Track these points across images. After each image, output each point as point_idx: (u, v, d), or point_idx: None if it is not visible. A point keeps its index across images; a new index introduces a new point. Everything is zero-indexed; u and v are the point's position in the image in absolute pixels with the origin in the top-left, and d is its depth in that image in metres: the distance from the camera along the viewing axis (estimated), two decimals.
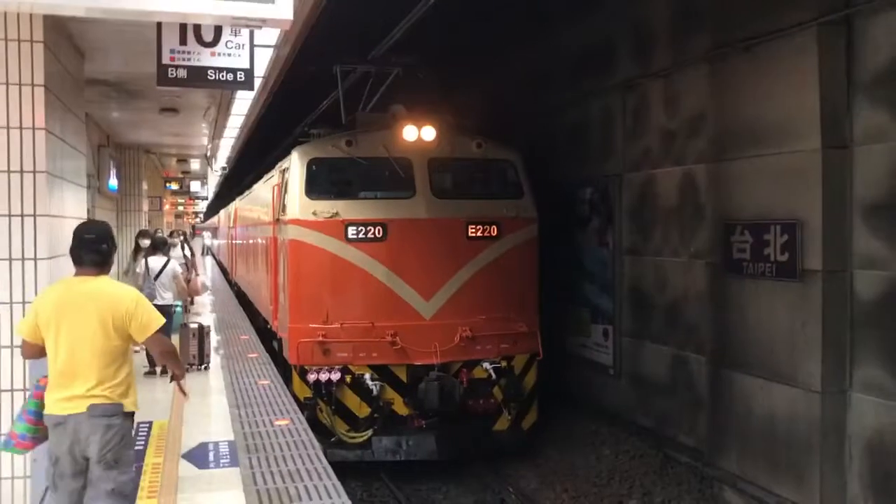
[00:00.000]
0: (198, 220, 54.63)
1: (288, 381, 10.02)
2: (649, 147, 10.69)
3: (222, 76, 5.75)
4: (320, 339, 9.88)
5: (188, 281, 12.10)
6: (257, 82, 8.70)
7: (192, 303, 12.58)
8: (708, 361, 9.20)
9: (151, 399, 9.50)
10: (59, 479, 4.40)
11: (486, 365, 10.15)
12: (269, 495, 6.07)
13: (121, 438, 4.44)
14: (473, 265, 10.21)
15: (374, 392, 9.83)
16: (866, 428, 7.29)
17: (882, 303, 7.16)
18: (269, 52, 7.47)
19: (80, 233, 4.65)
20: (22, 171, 5.54)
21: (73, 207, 6.75)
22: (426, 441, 9.81)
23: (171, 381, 5.01)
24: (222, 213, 33.86)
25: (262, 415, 8.54)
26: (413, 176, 10.26)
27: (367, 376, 9.87)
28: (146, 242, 11.64)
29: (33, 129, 5.55)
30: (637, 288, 10.98)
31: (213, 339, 12.72)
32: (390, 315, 9.91)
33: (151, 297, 10.66)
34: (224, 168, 24.59)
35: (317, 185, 10.29)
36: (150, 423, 8.31)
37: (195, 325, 11.16)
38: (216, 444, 7.44)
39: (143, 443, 7.57)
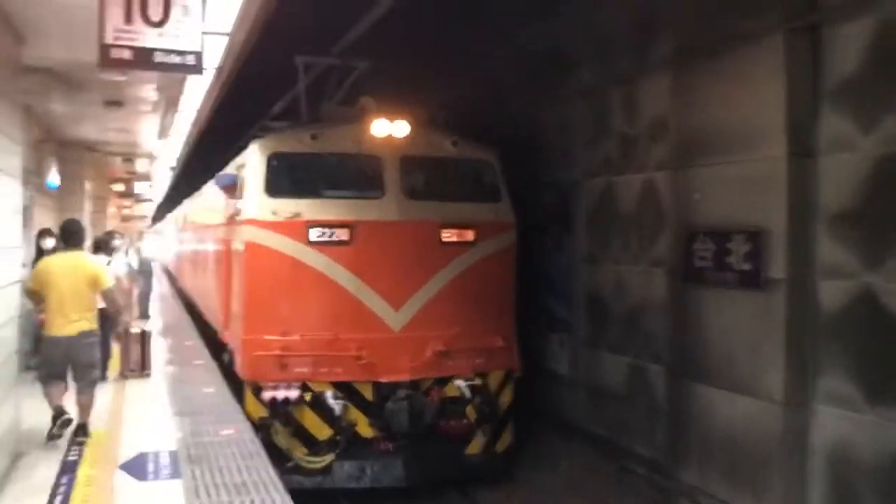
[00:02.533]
0: (145, 224, 53.31)
1: (240, 398, 9.23)
2: (609, 154, 10.55)
3: (170, 59, 5.37)
4: (277, 352, 8.98)
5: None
6: (211, 73, 8.33)
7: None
8: (667, 371, 9.05)
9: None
10: (49, 375, 7.36)
11: (460, 382, 9.42)
12: None
13: (94, 349, 7.59)
14: (447, 272, 9.51)
15: (337, 412, 8.97)
16: (829, 440, 7.17)
17: (846, 313, 7.06)
18: (224, 41, 7.09)
19: (70, 226, 7.95)
20: None
21: (4, 200, 6.29)
22: (393, 466, 9.02)
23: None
24: (170, 215, 32.97)
25: (206, 423, 8.17)
26: (383, 174, 9.50)
27: (329, 394, 9.02)
28: (49, 244, 10.00)
29: None
30: (595, 296, 10.81)
31: (157, 344, 12.23)
32: (356, 326, 9.12)
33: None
34: (173, 168, 23.94)
35: (277, 183, 9.41)
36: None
37: (137, 331, 10.71)
38: (156, 454, 7.07)
39: (77, 453, 7.13)
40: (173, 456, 6.99)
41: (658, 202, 9.45)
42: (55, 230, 10.03)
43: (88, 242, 11.41)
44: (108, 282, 7.66)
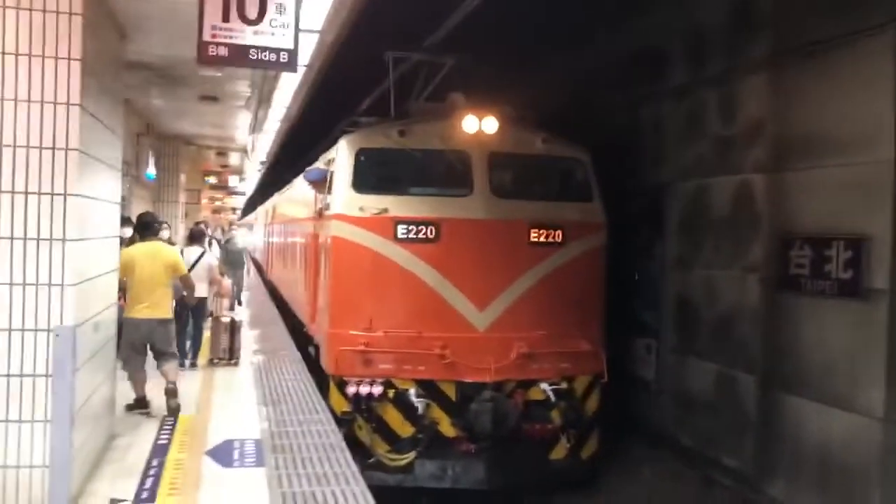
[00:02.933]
0: (235, 215, 54.84)
1: (324, 391, 9.29)
2: (702, 155, 10.24)
3: (265, 56, 5.47)
4: (362, 347, 8.99)
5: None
6: (301, 70, 8.47)
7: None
8: (758, 381, 8.74)
9: (179, 392, 9.31)
10: (130, 357, 7.99)
11: (545, 386, 9.16)
12: (295, 499, 5.81)
13: (170, 332, 8.45)
14: (534, 273, 9.26)
15: (420, 410, 8.89)
16: None
17: None
18: (315, 38, 7.19)
19: (145, 217, 8.84)
20: (54, 149, 5.31)
21: (106, 190, 6.53)
22: (475, 467, 8.87)
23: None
24: (260, 208, 33.77)
25: (290, 413, 8.32)
26: (471, 171, 9.36)
27: (412, 392, 8.95)
28: (126, 232, 9.48)
29: (67, 104, 5.33)
30: (684, 301, 10.52)
31: (245, 334, 12.54)
32: (440, 325, 9.01)
33: (178, 290, 10.48)
34: (264, 163, 24.53)
35: (365, 178, 9.41)
36: (176, 416, 8.09)
37: (227, 319, 10.99)
38: (242, 441, 7.22)
39: (167, 437, 7.36)
40: (258, 444, 7.13)
41: (753, 206, 9.12)
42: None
43: (182, 234, 11.83)
44: (185, 268, 8.64)
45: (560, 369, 9.26)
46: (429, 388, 8.99)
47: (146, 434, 7.42)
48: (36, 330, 5.29)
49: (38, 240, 5.29)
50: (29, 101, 5.26)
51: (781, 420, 8.25)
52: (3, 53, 5.23)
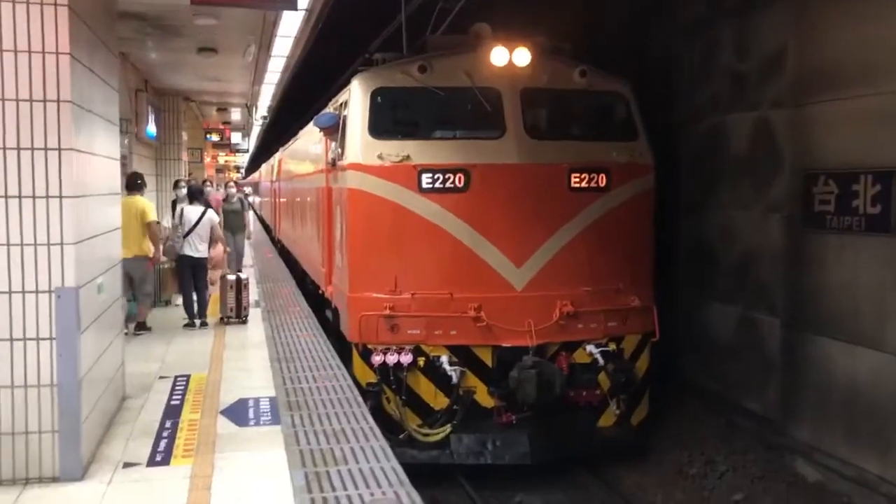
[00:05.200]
0: (239, 174, 54.51)
1: (346, 361, 8.50)
2: (717, 92, 9.89)
3: None
4: (387, 312, 8.15)
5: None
6: (301, 13, 8.11)
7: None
8: (781, 323, 8.52)
9: (189, 350, 9.25)
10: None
11: (591, 348, 8.41)
12: (313, 456, 5.65)
13: (144, 269, 9.98)
14: (577, 223, 8.37)
15: (454, 379, 8.10)
16: None
17: None
18: None
19: (130, 177, 10.14)
20: (45, 101, 5.03)
21: (104, 145, 6.26)
22: (517, 441, 8.03)
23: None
24: (264, 165, 33.35)
25: (304, 370, 8.16)
26: (502, 110, 8.35)
27: (445, 359, 8.14)
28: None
29: (57, 53, 5.02)
30: (700, 244, 10.26)
31: (253, 291, 12.36)
32: (473, 284, 8.15)
33: (177, 249, 10.35)
34: (265, 117, 24.13)
35: (383, 122, 8.46)
36: (188, 376, 7.97)
37: (233, 278, 10.81)
38: (256, 400, 7.06)
39: (180, 397, 7.21)
40: (272, 402, 6.98)
41: (773, 142, 8.81)
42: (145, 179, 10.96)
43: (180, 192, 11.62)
44: (150, 217, 9.84)
45: (607, 329, 8.50)
46: (463, 355, 8.23)
47: (158, 395, 7.27)
48: (37, 292, 5.07)
49: (33, 198, 5.03)
50: (15, 50, 4.96)
51: (807, 361, 8.05)
52: None
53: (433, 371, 8.19)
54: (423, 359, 8.19)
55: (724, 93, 9.72)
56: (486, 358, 8.26)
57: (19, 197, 5.02)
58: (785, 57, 8.51)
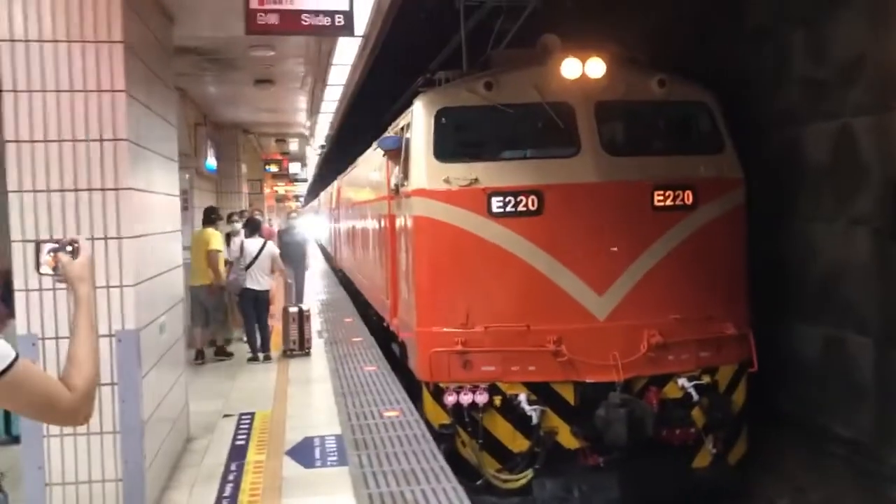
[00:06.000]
0: (298, 203, 55.13)
1: (416, 399, 8.04)
2: (790, 102, 9.39)
3: (318, 20, 4.96)
4: (459, 347, 7.51)
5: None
6: (358, 41, 7.97)
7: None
8: (875, 342, 7.97)
9: (253, 386, 9.13)
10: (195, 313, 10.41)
11: (683, 381, 7.66)
12: (383, 500, 5.40)
13: (211, 296, 10.71)
14: (662, 245, 7.71)
15: (534, 419, 7.41)
16: None
17: None
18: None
19: (206, 211, 11.20)
20: (101, 140, 4.94)
21: (162, 182, 6.17)
22: (607, 485, 7.32)
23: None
24: (323, 193, 33.58)
25: (369, 405, 7.94)
26: (576, 126, 7.76)
27: (523, 397, 7.46)
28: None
29: (112, 91, 4.94)
30: (780, 261, 9.73)
31: (315, 322, 12.24)
32: (551, 315, 7.52)
33: (240, 282, 10.30)
34: (323, 146, 24.25)
35: (448, 144, 7.97)
36: (253, 413, 7.82)
37: (295, 310, 10.70)
38: (322, 438, 6.86)
39: (244, 437, 7.04)
40: (339, 441, 6.76)
41: (856, 153, 8.30)
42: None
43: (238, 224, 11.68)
44: (214, 246, 10.53)
45: (700, 360, 7.75)
46: (543, 392, 7.54)
47: (223, 435, 7.12)
48: (98, 336, 4.94)
49: (91, 239, 4.91)
50: (71, 90, 4.90)
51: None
52: (41, 41, 4.86)
53: (511, 411, 7.52)
54: (500, 397, 7.54)
55: (798, 102, 9.23)
56: (568, 395, 7.59)
57: None
58: (864, 61, 8.02)
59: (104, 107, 4.94)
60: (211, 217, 10.93)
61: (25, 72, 4.84)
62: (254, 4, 4.91)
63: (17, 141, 4.87)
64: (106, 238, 4.95)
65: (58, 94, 4.90)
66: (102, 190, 4.95)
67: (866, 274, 8.09)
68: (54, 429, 4.87)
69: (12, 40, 4.83)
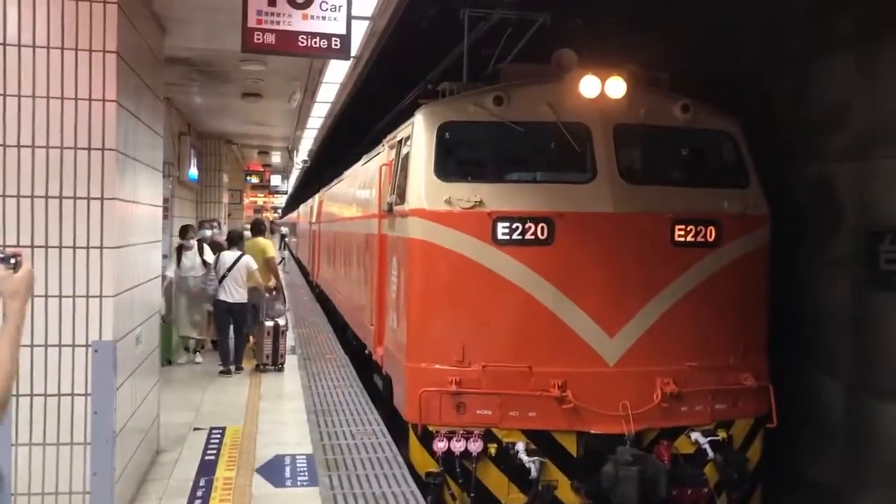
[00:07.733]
0: (276, 214, 54.98)
1: (400, 442, 7.34)
2: (772, 143, 9.55)
3: (315, 42, 4.98)
4: (453, 388, 6.78)
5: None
6: (348, 63, 7.99)
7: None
8: (846, 387, 8.07)
9: (225, 400, 9.06)
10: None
11: (697, 435, 6.98)
12: None
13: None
14: (681, 285, 7.05)
15: (532, 472, 6.64)
16: None
17: None
18: (362, 25, 6.69)
19: (259, 222, 13.22)
20: (89, 149, 4.91)
21: (147, 192, 6.14)
22: None
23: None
24: (303, 206, 33.37)
25: (342, 424, 7.92)
26: (592, 149, 7.12)
27: (521, 447, 6.70)
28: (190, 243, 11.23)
29: (103, 100, 4.93)
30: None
31: (290, 337, 12.19)
32: (557, 357, 6.83)
33: (213, 294, 10.24)
34: (305, 161, 24.21)
35: (451, 161, 7.34)
36: (223, 428, 7.74)
37: (270, 324, 10.63)
38: (293, 457, 6.81)
39: (214, 452, 6.97)
40: (309, 460, 6.72)
41: (834, 198, 8.44)
42: (194, 223, 12.63)
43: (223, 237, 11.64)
44: (270, 254, 11.94)
45: (716, 412, 7.12)
46: (543, 442, 6.82)
47: (192, 449, 7.04)
48: (73, 346, 4.91)
49: (73, 248, 4.90)
50: (62, 97, 4.88)
51: (875, 428, 7.59)
52: (34, 47, 4.84)
53: (506, 461, 6.77)
54: (496, 446, 6.78)
55: (780, 144, 9.38)
56: (571, 446, 6.85)
57: (60, 247, 4.88)
58: (847, 109, 8.19)
59: (94, 115, 4.91)
60: (260, 228, 12.75)
61: (17, 76, 4.81)
62: (251, 23, 4.93)
63: (3, 145, 4.82)
64: (88, 247, 4.91)
65: (48, 100, 4.87)
66: (87, 199, 4.91)
67: (839, 318, 8.20)
68: (23, 438, 4.81)
69: (5, 44, 4.80)
